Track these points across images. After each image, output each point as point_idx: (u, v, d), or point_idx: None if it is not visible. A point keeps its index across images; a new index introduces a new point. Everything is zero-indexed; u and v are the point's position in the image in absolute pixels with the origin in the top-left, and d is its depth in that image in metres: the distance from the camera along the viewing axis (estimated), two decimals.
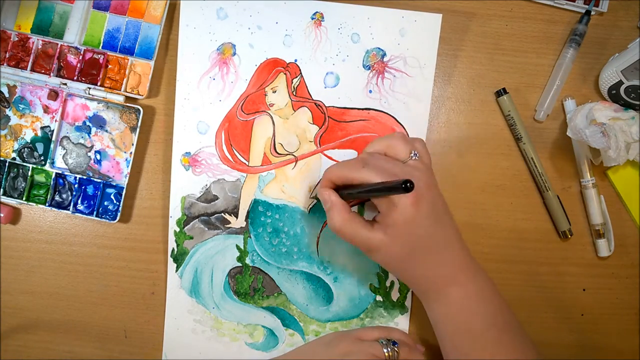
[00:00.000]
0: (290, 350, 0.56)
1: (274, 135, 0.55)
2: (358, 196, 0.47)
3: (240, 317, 0.56)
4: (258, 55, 0.55)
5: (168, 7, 0.55)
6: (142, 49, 0.55)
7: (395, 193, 0.42)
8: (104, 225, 0.57)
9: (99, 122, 0.56)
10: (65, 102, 0.55)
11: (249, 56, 0.55)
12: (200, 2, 0.54)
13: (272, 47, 0.55)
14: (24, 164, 0.55)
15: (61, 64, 0.55)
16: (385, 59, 0.55)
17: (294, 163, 0.56)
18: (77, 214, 0.55)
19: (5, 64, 0.54)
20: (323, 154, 0.55)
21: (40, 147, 0.56)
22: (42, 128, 0.56)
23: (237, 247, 0.56)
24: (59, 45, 0.55)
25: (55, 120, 0.55)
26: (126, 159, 0.56)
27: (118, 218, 0.55)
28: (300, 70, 0.55)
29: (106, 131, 0.56)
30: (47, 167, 0.55)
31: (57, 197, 0.56)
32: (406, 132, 0.55)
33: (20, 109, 0.55)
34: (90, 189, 0.56)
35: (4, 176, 0.55)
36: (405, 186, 0.38)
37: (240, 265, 0.56)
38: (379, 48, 0.55)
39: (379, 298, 0.56)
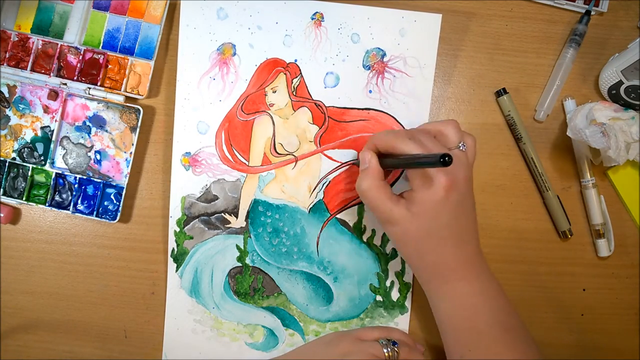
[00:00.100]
0: (290, 350, 0.56)
1: (274, 135, 0.55)
2: (395, 164, 0.47)
3: (240, 317, 0.56)
4: (258, 55, 0.55)
5: (168, 7, 0.55)
6: (142, 49, 0.55)
7: (433, 166, 0.42)
8: (104, 225, 0.57)
9: (99, 122, 0.56)
10: (65, 102, 0.55)
11: (249, 56, 0.55)
12: (201, 2, 0.54)
13: (272, 47, 0.55)
14: (24, 164, 0.55)
15: (61, 64, 0.55)
16: (385, 59, 0.55)
17: (294, 163, 0.56)
18: (77, 214, 0.55)
19: (5, 64, 0.54)
20: (323, 154, 0.55)
21: (40, 147, 0.56)
22: (42, 128, 0.56)
23: (237, 247, 0.56)
24: (59, 45, 0.55)
25: (55, 120, 0.55)
26: (126, 159, 0.56)
27: (118, 218, 0.55)
28: (300, 70, 0.55)
29: (106, 131, 0.56)
30: (47, 167, 0.55)
31: (57, 197, 0.56)
32: None
33: (20, 109, 0.55)
34: (90, 189, 0.56)
35: (4, 176, 0.55)
36: (444, 160, 0.38)
37: (240, 265, 0.56)
38: (379, 48, 0.55)
39: (379, 298, 0.56)
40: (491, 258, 0.57)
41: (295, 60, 0.55)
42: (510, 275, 0.57)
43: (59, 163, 0.56)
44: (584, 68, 0.57)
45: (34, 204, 0.55)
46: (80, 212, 0.55)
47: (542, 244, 0.57)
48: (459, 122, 0.56)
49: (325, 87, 0.55)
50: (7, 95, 0.55)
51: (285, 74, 0.55)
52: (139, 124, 0.55)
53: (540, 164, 0.56)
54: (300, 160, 0.56)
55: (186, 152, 0.55)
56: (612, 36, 0.57)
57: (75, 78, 0.55)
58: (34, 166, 0.55)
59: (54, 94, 0.55)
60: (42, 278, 0.57)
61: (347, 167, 0.55)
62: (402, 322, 0.57)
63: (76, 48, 0.55)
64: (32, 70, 0.54)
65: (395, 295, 0.56)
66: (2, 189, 0.55)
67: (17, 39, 0.54)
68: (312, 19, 0.55)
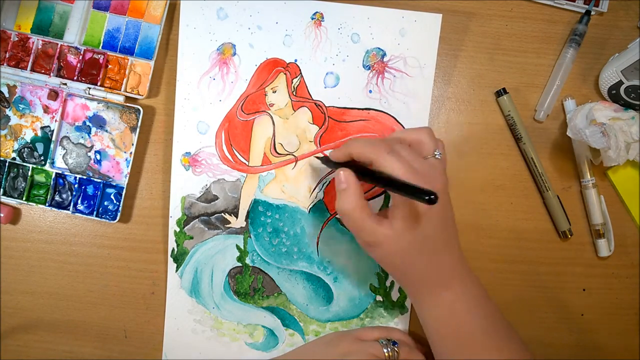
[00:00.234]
0: (290, 350, 0.56)
1: (274, 135, 0.55)
2: (377, 183, 0.45)
3: (240, 317, 0.56)
4: (258, 55, 0.55)
5: (168, 7, 0.55)
6: (142, 49, 0.55)
7: (417, 199, 0.41)
8: (104, 225, 0.57)
9: (99, 122, 0.56)
10: (65, 102, 0.55)
11: (249, 56, 0.55)
12: (201, 2, 0.54)
13: (272, 47, 0.55)
14: (24, 164, 0.55)
15: (61, 64, 0.55)
16: (385, 59, 0.55)
17: (294, 163, 0.56)
18: (77, 214, 0.55)
19: (5, 64, 0.54)
20: (323, 154, 0.55)
21: (40, 147, 0.56)
22: (42, 128, 0.56)
23: (237, 247, 0.56)
24: (59, 45, 0.55)
25: (55, 120, 0.55)
26: (126, 159, 0.56)
27: (118, 218, 0.55)
28: (300, 70, 0.55)
29: (106, 131, 0.56)
30: (47, 167, 0.55)
31: (57, 197, 0.56)
32: None
33: (20, 109, 0.55)
34: (90, 189, 0.56)
35: (4, 176, 0.55)
36: (430, 198, 0.38)
37: (240, 265, 0.56)
38: (379, 48, 0.55)
39: (379, 298, 0.56)
40: (491, 258, 0.57)
41: (295, 60, 0.55)
42: (510, 275, 0.57)
43: (59, 163, 0.56)
44: (584, 68, 0.57)
45: (34, 204, 0.55)
46: (80, 212, 0.55)
47: (542, 244, 0.57)
48: (459, 122, 0.57)
49: (325, 87, 0.55)
50: (7, 95, 0.55)
51: (285, 74, 0.55)
52: (139, 124, 0.55)
53: (540, 164, 0.56)
54: (300, 160, 0.56)
55: (186, 152, 0.55)
56: (612, 36, 0.57)
57: (75, 78, 0.55)
58: (34, 166, 0.55)
59: (54, 94, 0.55)
60: (42, 278, 0.57)
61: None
62: (402, 322, 0.57)
63: (76, 48, 0.55)
64: (32, 70, 0.54)
65: (395, 295, 0.56)
66: (2, 189, 0.55)
67: (17, 39, 0.54)
68: (312, 19, 0.55)
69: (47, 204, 0.55)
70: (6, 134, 0.56)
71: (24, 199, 0.55)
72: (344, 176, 0.45)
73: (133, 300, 0.57)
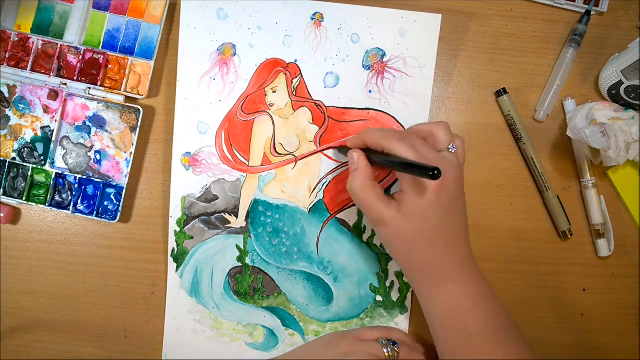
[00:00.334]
0: (290, 350, 0.56)
1: (274, 135, 0.55)
2: (385, 165, 0.47)
3: (240, 317, 0.56)
4: (258, 55, 0.55)
5: (168, 7, 0.55)
6: (142, 49, 0.55)
7: (421, 176, 0.42)
8: (104, 225, 0.57)
9: (99, 122, 0.56)
10: (65, 102, 0.55)
11: (249, 56, 0.55)
12: (201, 2, 0.54)
13: (272, 47, 0.55)
14: (24, 164, 0.55)
15: (61, 64, 0.55)
16: (385, 59, 0.55)
17: (294, 163, 0.56)
18: (77, 214, 0.55)
19: (5, 64, 0.54)
20: (323, 154, 0.56)
21: (40, 147, 0.56)
22: (42, 128, 0.56)
23: (237, 247, 0.56)
24: (59, 45, 0.55)
25: (55, 120, 0.55)
26: (126, 159, 0.56)
27: (118, 218, 0.55)
28: (300, 70, 0.55)
29: (106, 131, 0.56)
30: (47, 167, 0.55)
31: (57, 197, 0.56)
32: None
33: (20, 109, 0.55)
34: (90, 189, 0.56)
35: (4, 176, 0.55)
36: (433, 173, 0.38)
37: (240, 265, 0.56)
38: (378, 48, 0.55)
39: (379, 298, 0.56)
40: (491, 258, 0.57)
41: (295, 60, 0.55)
42: (510, 275, 0.57)
43: (59, 163, 0.56)
44: (584, 68, 0.57)
45: (34, 204, 0.55)
46: (80, 212, 0.55)
47: (542, 244, 0.57)
48: (459, 122, 0.57)
49: (325, 87, 0.55)
50: (7, 95, 0.55)
51: (285, 74, 0.55)
52: (139, 124, 0.55)
53: (540, 164, 0.56)
54: (300, 160, 0.56)
55: (186, 152, 0.55)
56: (612, 36, 0.57)
57: (75, 78, 0.55)
58: (34, 166, 0.55)
59: (54, 94, 0.55)
60: (42, 278, 0.57)
61: (347, 167, 0.55)
62: (402, 322, 0.57)
63: (76, 48, 0.55)
64: (32, 70, 0.54)
65: (395, 295, 0.56)
66: (2, 189, 0.55)
67: (17, 39, 0.54)
68: (312, 19, 0.55)
69: (47, 204, 0.55)
70: (6, 134, 0.56)
71: (24, 199, 0.55)
72: (356, 156, 0.47)
73: (133, 300, 0.57)
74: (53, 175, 0.55)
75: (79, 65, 0.55)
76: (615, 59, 0.54)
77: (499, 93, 0.56)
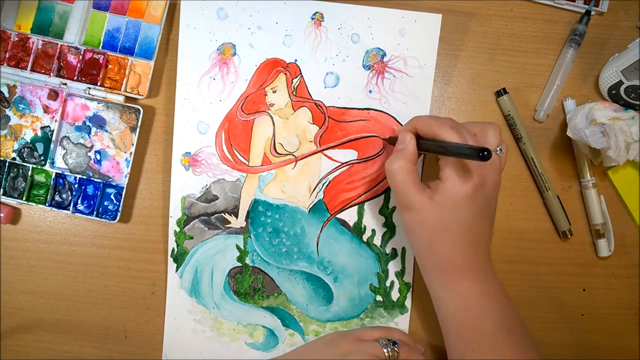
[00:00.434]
0: (290, 350, 0.56)
1: (274, 135, 0.55)
2: (433, 149, 0.46)
3: (240, 317, 0.56)
4: (258, 55, 0.55)
5: (168, 7, 0.55)
6: (142, 49, 0.55)
7: (471, 158, 0.41)
8: (104, 225, 0.57)
9: (99, 122, 0.56)
10: (65, 102, 0.55)
11: (249, 56, 0.55)
12: (201, 2, 0.54)
13: (272, 47, 0.55)
14: (24, 164, 0.55)
15: (61, 64, 0.55)
16: (385, 59, 0.55)
17: (294, 163, 0.56)
18: (77, 214, 0.55)
19: (5, 64, 0.54)
20: (323, 154, 0.56)
21: (40, 147, 0.56)
22: (42, 128, 0.56)
23: (237, 247, 0.56)
24: (59, 45, 0.55)
25: (55, 120, 0.55)
26: (126, 159, 0.56)
27: (118, 218, 0.55)
28: (300, 70, 0.55)
29: (106, 131, 0.56)
30: (47, 167, 0.55)
31: (57, 197, 0.56)
32: None
33: (20, 109, 0.55)
34: (90, 189, 0.56)
35: (4, 176, 0.55)
36: (482, 155, 0.38)
37: (240, 265, 0.56)
38: (378, 48, 0.55)
39: (379, 298, 0.56)
40: (491, 258, 0.57)
41: (295, 60, 0.55)
42: (510, 275, 0.57)
43: (59, 163, 0.56)
44: (584, 68, 0.57)
45: (34, 204, 0.55)
46: (80, 212, 0.55)
47: (542, 244, 0.57)
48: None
49: (325, 87, 0.55)
50: (7, 95, 0.55)
51: (285, 74, 0.55)
52: (139, 124, 0.55)
53: (540, 164, 0.56)
54: (300, 160, 0.56)
55: (186, 152, 0.55)
56: (612, 36, 0.57)
57: (75, 78, 0.55)
58: (34, 166, 0.55)
59: (54, 94, 0.55)
60: (42, 278, 0.57)
61: (347, 167, 0.55)
62: (402, 322, 0.57)
63: (76, 48, 0.55)
64: (32, 70, 0.54)
65: (395, 295, 0.56)
66: (2, 189, 0.55)
67: (17, 39, 0.54)
68: (312, 19, 0.55)
69: (47, 204, 0.55)
70: (6, 134, 0.56)
71: (24, 199, 0.55)
72: (408, 137, 0.47)
73: (133, 300, 0.57)
74: (53, 175, 0.55)
75: (79, 65, 0.55)
76: (615, 59, 0.54)
77: (499, 93, 0.56)
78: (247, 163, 0.56)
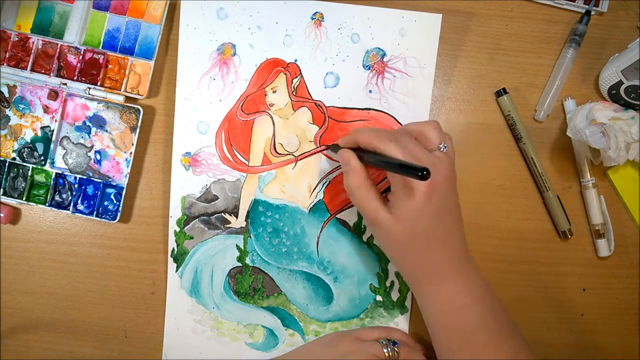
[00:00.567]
0: (290, 350, 0.56)
1: (274, 135, 0.55)
2: (375, 164, 0.47)
3: (240, 317, 0.56)
4: (258, 55, 0.55)
5: (168, 7, 0.55)
6: (142, 49, 0.55)
7: (410, 176, 0.41)
8: (104, 225, 0.57)
9: (99, 122, 0.56)
10: (65, 102, 0.55)
11: (249, 56, 0.55)
12: (201, 2, 0.54)
13: (272, 47, 0.55)
14: (24, 164, 0.55)
15: (61, 64, 0.55)
16: (385, 59, 0.55)
17: (294, 163, 0.56)
18: (77, 214, 0.55)
19: (5, 64, 0.54)
20: (323, 154, 0.55)
21: (40, 147, 0.56)
22: (42, 128, 0.56)
23: (237, 247, 0.56)
24: (59, 45, 0.55)
25: (55, 120, 0.55)
26: (126, 159, 0.56)
27: (118, 218, 0.55)
28: (300, 70, 0.55)
29: (106, 131, 0.56)
30: (47, 167, 0.55)
31: (57, 197, 0.56)
32: None
33: (20, 109, 0.55)
34: (90, 189, 0.56)
35: (4, 176, 0.55)
36: (422, 174, 0.38)
37: (240, 265, 0.56)
38: (378, 48, 0.55)
39: (379, 298, 0.56)
40: (491, 258, 0.57)
41: (295, 60, 0.55)
42: (510, 275, 0.57)
43: (59, 163, 0.56)
44: (584, 68, 0.57)
45: (34, 204, 0.55)
46: (80, 212, 0.55)
47: (542, 244, 0.57)
48: (459, 122, 0.57)
49: (325, 87, 0.55)
50: (7, 95, 0.55)
51: (285, 74, 0.55)
52: (139, 124, 0.55)
53: (540, 164, 0.56)
54: (300, 160, 0.56)
55: (186, 152, 0.55)
56: (612, 36, 0.57)
57: (75, 78, 0.55)
58: (34, 166, 0.55)
59: (54, 94, 0.55)
60: (42, 278, 0.57)
61: None
62: (402, 322, 0.57)
63: (76, 48, 0.55)
64: (32, 70, 0.54)
65: (395, 295, 0.56)
66: (2, 189, 0.55)
67: (17, 39, 0.54)
68: (312, 19, 0.55)
69: (47, 204, 0.55)
70: (6, 134, 0.56)
71: (24, 199, 0.55)
72: (346, 157, 0.47)
73: (133, 300, 0.57)
74: (53, 175, 0.55)
75: (79, 65, 0.55)
76: (615, 59, 0.54)
77: (499, 93, 0.56)
78: (247, 163, 0.56)
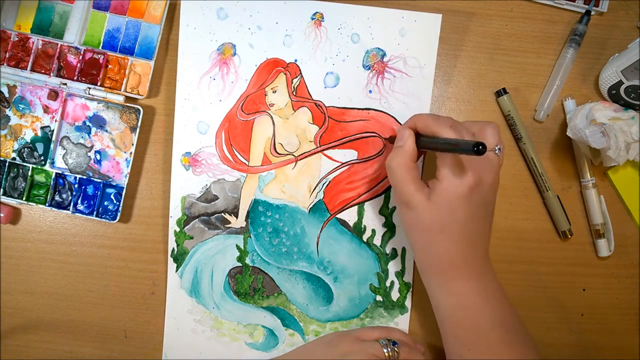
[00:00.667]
0: (290, 350, 0.56)
1: (274, 135, 0.55)
2: (429, 146, 0.46)
3: (240, 317, 0.56)
4: (258, 55, 0.55)
5: (168, 7, 0.55)
6: (142, 49, 0.55)
7: (466, 152, 0.41)
8: (104, 225, 0.57)
9: (99, 122, 0.56)
10: (65, 102, 0.55)
11: (249, 56, 0.55)
12: (201, 2, 0.54)
13: (272, 47, 0.55)
14: (24, 164, 0.55)
15: (61, 64, 0.55)
16: (385, 59, 0.55)
17: (294, 163, 0.56)
18: (77, 214, 0.55)
19: (5, 64, 0.54)
20: (323, 154, 0.56)
21: (40, 147, 0.56)
22: (42, 128, 0.56)
23: (237, 247, 0.56)
24: (59, 45, 0.55)
25: (55, 120, 0.55)
26: (126, 159, 0.56)
27: (118, 218, 0.55)
28: (300, 70, 0.55)
29: (106, 131, 0.56)
30: (47, 167, 0.55)
31: (57, 197, 0.56)
32: None
33: (20, 109, 0.55)
34: (90, 189, 0.56)
35: (4, 176, 0.55)
36: (478, 149, 0.38)
37: (240, 265, 0.56)
38: (378, 48, 0.55)
39: (379, 298, 0.56)
40: (491, 258, 0.57)
41: (295, 60, 0.55)
42: (510, 275, 0.57)
43: (59, 163, 0.56)
44: (584, 68, 0.57)
45: (34, 204, 0.55)
46: (80, 212, 0.55)
47: (542, 244, 0.57)
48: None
49: (325, 87, 0.55)
50: (7, 95, 0.55)
51: (285, 74, 0.55)
52: (139, 124, 0.55)
53: (540, 164, 0.56)
54: (300, 160, 0.56)
55: (186, 152, 0.55)
56: (612, 36, 0.57)
57: (75, 78, 0.55)
58: (34, 166, 0.55)
59: (54, 94, 0.55)
60: (42, 278, 0.57)
61: (347, 167, 0.55)
62: (402, 322, 0.57)
63: (76, 48, 0.55)
64: (32, 70, 0.54)
65: (395, 295, 0.56)
66: (2, 189, 0.55)
67: (17, 39, 0.54)
68: (312, 19, 0.55)
69: (47, 204, 0.55)
70: (6, 134, 0.56)
71: (24, 199, 0.55)
72: (407, 134, 0.47)
73: (133, 300, 0.57)
74: (53, 175, 0.55)
75: (79, 65, 0.55)
76: (615, 59, 0.54)
77: (499, 93, 0.56)
78: (247, 163, 0.56)
